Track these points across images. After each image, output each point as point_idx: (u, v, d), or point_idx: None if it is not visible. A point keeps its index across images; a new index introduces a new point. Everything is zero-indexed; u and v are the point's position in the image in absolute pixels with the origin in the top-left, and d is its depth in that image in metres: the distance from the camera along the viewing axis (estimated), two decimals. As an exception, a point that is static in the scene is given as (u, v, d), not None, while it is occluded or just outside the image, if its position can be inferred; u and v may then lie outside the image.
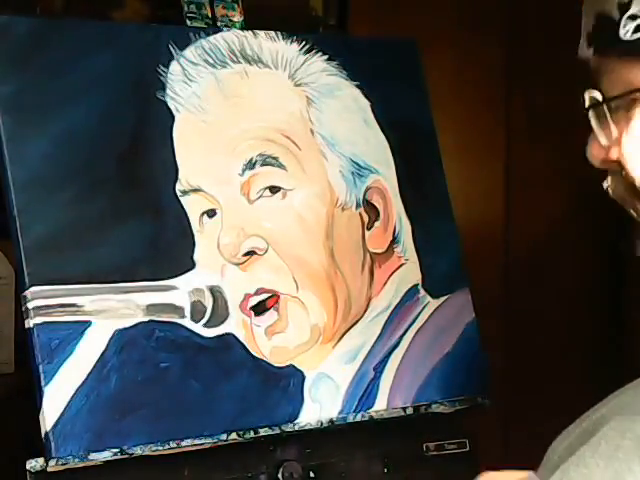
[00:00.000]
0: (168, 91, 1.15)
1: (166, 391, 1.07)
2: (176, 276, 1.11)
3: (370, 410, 1.20)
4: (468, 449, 1.24)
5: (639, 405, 0.64)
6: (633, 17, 0.70)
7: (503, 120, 1.92)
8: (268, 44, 1.23)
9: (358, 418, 1.19)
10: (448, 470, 1.25)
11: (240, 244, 1.15)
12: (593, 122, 0.75)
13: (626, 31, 0.71)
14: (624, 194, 0.77)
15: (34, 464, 1.01)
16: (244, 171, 1.17)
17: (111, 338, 1.05)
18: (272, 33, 1.24)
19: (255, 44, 1.22)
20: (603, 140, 0.75)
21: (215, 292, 1.12)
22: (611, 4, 0.71)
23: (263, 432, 1.12)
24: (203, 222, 1.14)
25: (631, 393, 0.67)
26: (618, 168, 0.76)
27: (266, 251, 1.17)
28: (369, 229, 1.26)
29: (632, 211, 0.77)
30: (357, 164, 1.26)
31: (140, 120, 1.13)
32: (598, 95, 0.74)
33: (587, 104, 0.75)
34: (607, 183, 0.78)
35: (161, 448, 1.06)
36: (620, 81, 0.73)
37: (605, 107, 0.74)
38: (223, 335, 1.12)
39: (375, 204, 1.27)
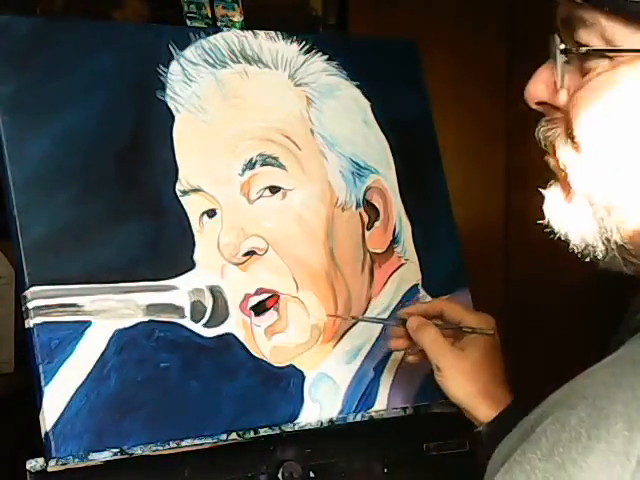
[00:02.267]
0: (168, 91, 1.15)
1: (166, 391, 1.07)
2: (176, 276, 1.11)
3: (370, 410, 1.20)
4: (468, 449, 1.24)
5: (573, 399, 0.66)
6: None
7: (503, 120, 1.92)
8: (268, 44, 1.23)
9: (358, 418, 1.19)
10: (448, 470, 1.25)
11: (240, 244, 1.15)
12: (559, 64, 0.75)
13: None
14: (556, 141, 0.77)
15: (34, 464, 1.00)
16: (244, 171, 1.17)
17: (111, 338, 1.05)
18: (272, 33, 1.24)
19: (255, 44, 1.22)
20: (559, 82, 0.75)
21: (215, 292, 1.12)
22: None
23: (263, 432, 1.12)
24: (203, 222, 1.14)
25: (565, 390, 0.68)
26: (559, 115, 0.76)
27: (266, 251, 1.17)
28: (369, 229, 1.26)
29: (550, 159, 0.78)
30: (357, 164, 1.26)
31: (140, 120, 1.13)
32: (569, 42, 0.74)
33: (562, 47, 0.74)
34: (541, 127, 0.78)
35: (161, 448, 1.06)
36: (599, 35, 0.72)
37: (574, 55, 0.74)
38: (223, 335, 1.12)
39: (375, 204, 1.27)
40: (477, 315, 1.13)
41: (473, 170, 1.90)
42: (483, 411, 1.05)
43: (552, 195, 0.79)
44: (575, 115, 0.74)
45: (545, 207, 0.80)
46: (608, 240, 0.75)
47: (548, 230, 0.80)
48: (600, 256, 0.76)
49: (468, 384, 1.06)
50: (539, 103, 0.77)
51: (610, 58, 0.72)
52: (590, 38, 0.72)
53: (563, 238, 0.78)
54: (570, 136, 0.75)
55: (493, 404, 1.06)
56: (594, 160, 0.74)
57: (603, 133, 0.73)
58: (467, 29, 1.86)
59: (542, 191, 0.80)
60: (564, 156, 0.76)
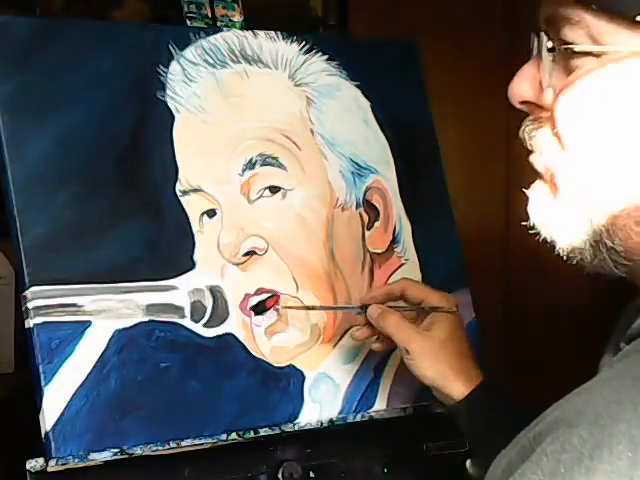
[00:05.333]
0: (168, 91, 1.15)
1: (166, 391, 1.07)
2: (176, 276, 1.11)
3: (370, 410, 1.20)
4: (468, 449, 1.24)
5: (573, 417, 0.64)
6: None
7: (504, 119, 1.92)
8: (268, 44, 1.23)
9: (358, 418, 1.19)
10: (448, 470, 1.25)
11: (240, 244, 1.16)
12: (546, 62, 0.74)
13: None
14: (542, 140, 0.75)
15: (34, 464, 1.00)
16: (244, 171, 1.17)
17: (111, 338, 1.05)
18: (272, 33, 1.24)
19: (255, 44, 1.22)
20: (545, 80, 0.74)
21: (215, 292, 1.12)
22: None
23: (263, 432, 1.12)
24: (203, 222, 1.14)
25: (564, 406, 0.66)
26: (544, 114, 0.75)
27: (266, 251, 1.17)
28: (369, 229, 1.26)
29: (536, 158, 0.76)
30: (357, 164, 1.26)
31: (140, 120, 1.13)
32: (555, 39, 0.73)
33: (549, 45, 0.73)
34: (525, 126, 0.77)
35: (161, 448, 1.06)
36: (584, 33, 0.71)
37: (560, 54, 0.73)
38: (223, 335, 1.12)
39: (375, 204, 1.27)
40: (439, 294, 1.13)
41: (473, 170, 1.90)
42: (457, 388, 1.06)
43: (537, 196, 0.77)
44: (561, 114, 0.73)
45: (530, 208, 0.78)
46: (597, 242, 0.73)
47: (533, 232, 0.78)
48: (588, 259, 0.75)
49: (439, 363, 1.06)
50: (523, 102, 0.76)
51: (597, 56, 0.71)
52: (576, 36, 0.71)
53: (549, 240, 0.76)
54: (556, 135, 0.73)
55: (467, 380, 1.06)
56: (581, 159, 0.73)
57: (590, 131, 0.72)
58: (467, 30, 1.86)
59: (526, 192, 0.79)
60: (550, 155, 0.75)
